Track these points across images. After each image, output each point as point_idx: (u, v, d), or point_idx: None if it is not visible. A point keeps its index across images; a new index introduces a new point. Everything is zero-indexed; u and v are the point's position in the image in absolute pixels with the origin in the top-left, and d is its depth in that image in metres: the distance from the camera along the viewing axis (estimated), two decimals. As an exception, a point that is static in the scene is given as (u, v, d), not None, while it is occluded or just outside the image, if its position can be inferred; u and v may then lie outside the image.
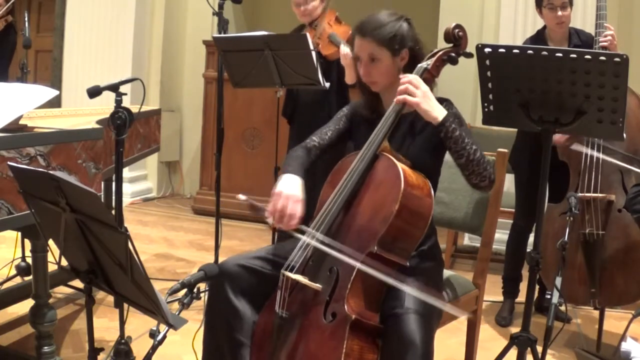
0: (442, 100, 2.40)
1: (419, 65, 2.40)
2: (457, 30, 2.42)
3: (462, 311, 2.07)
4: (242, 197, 2.32)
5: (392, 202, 2.16)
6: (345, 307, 2.07)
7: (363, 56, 2.44)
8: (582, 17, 4.93)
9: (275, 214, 2.24)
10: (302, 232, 2.25)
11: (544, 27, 3.83)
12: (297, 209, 2.25)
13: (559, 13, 3.62)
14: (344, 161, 2.45)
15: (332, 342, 2.06)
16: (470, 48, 2.46)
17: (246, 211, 3.25)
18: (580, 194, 3.44)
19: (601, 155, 3.37)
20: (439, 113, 2.26)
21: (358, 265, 2.09)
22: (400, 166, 2.22)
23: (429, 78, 2.39)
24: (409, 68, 2.42)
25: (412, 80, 2.27)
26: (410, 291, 2.09)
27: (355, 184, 2.28)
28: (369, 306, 2.14)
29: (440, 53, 2.43)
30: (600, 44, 3.53)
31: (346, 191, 2.27)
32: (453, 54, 2.43)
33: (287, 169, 2.39)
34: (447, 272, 2.77)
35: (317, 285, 2.17)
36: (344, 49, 3.75)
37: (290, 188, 2.29)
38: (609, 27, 3.56)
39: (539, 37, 3.82)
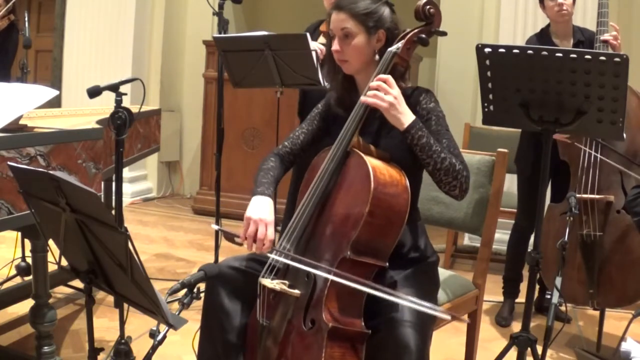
0: (421, 92, 2.31)
1: (388, 49, 2.27)
2: (428, 7, 2.28)
3: (451, 314, 2.02)
4: (215, 227, 2.33)
5: (363, 203, 2.07)
6: (323, 314, 2.02)
7: (337, 31, 2.30)
8: (582, 17, 4.94)
9: (248, 240, 2.21)
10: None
11: (548, 25, 3.83)
12: (268, 233, 2.19)
13: (560, 0, 3.60)
14: (318, 157, 2.35)
15: (312, 349, 2.03)
16: (470, 48, 2.44)
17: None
18: (578, 195, 3.44)
19: (599, 155, 3.37)
20: (405, 120, 2.16)
21: (331, 277, 2.03)
22: (371, 164, 2.11)
23: (400, 63, 2.28)
24: (381, 56, 2.30)
25: (383, 84, 2.17)
26: (385, 296, 1.99)
27: (327, 184, 2.20)
28: (347, 312, 2.07)
29: (411, 34, 2.27)
30: (603, 37, 3.51)
31: (317, 193, 2.20)
32: (424, 35, 2.27)
33: (256, 190, 2.32)
34: (447, 272, 2.77)
35: (296, 292, 2.12)
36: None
37: (258, 212, 2.23)
38: (614, 26, 3.55)
39: (543, 33, 3.82)
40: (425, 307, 2.00)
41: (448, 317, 2.03)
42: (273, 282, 2.16)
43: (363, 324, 2.08)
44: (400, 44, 2.26)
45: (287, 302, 2.16)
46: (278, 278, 2.20)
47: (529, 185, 3.87)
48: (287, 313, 2.15)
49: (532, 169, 3.76)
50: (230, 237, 2.29)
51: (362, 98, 2.20)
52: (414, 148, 2.17)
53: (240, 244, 2.24)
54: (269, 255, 2.20)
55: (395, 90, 2.17)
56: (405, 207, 2.15)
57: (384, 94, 2.15)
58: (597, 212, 3.42)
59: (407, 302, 2.00)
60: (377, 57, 2.32)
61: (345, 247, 2.08)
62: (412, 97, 2.30)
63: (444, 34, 2.33)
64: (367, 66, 2.32)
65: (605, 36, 3.51)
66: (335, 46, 2.31)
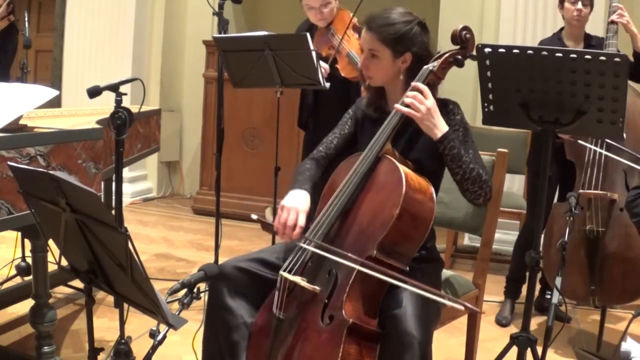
0: (448, 103, 2.41)
1: (425, 67, 2.39)
2: (464, 32, 2.41)
3: (463, 303, 2.03)
4: (254, 216, 2.36)
5: (393, 206, 2.14)
6: (343, 311, 2.06)
7: (365, 49, 2.43)
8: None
9: (279, 227, 2.26)
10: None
11: (561, 29, 3.93)
12: (299, 220, 2.25)
13: (579, 6, 3.73)
14: (346, 162, 2.43)
15: (329, 345, 2.05)
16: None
17: (246, 211, 3.26)
18: (582, 191, 3.47)
19: (607, 153, 3.37)
20: (439, 130, 2.27)
21: (357, 267, 2.07)
22: (403, 169, 2.20)
23: (435, 80, 2.40)
24: (413, 71, 2.41)
25: (418, 95, 2.27)
26: (412, 288, 2.04)
27: (357, 186, 2.27)
28: (366, 310, 2.13)
29: (447, 55, 2.42)
30: (610, 17, 3.62)
31: (347, 193, 2.27)
32: (460, 57, 2.42)
33: (293, 185, 2.40)
34: (447, 272, 2.77)
35: (315, 288, 2.16)
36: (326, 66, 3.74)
37: (292, 201, 2.30)
38: (618, 5, 3.61)
39: (555, 36, 3.93)
40: (446, 298, 2.03)
41: (466, 307, 2.04)
42: (294, 276, 2.20)
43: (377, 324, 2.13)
44: (436, 63, 2.40)
45: (304, 298, 2.20)
46: (296, 275, 2.23)
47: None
48: (303, 309, 2.18)
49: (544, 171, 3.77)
50: (268, 226, 2.38)
51: (397, 106, 2.29)
52: (445, 157, 2.28)
53: (276, 232, 2.30)
54: (298, 243, 2.25)
55: (430, 101, 2.27)
56: (430, 214, 2.23)
57: (419, 103, 2.25)
58: (601, 209, 3.45)
59: (431, 294, 2.03)
60: (401, 77, 2.42)
61: (371, 247, 2.14)
62: (441, 108, 2.37)
63: (475, 58, 2.43)
64: (392, 81, 2.44)
65: (613, 17, 3.61)
66: (362, 62, 2.44)
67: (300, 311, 2.19)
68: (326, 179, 2.47)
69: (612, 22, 3.62)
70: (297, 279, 2.18)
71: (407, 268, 2.21)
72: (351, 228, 2.24)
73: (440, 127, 2.28)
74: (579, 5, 3.73)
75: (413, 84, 2.32)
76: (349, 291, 2.09)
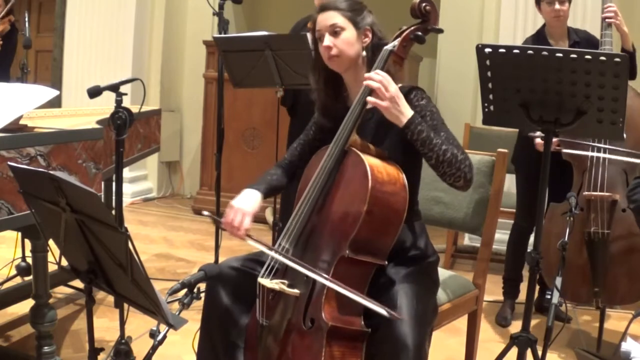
0: (412, 89, 2.31)
1: (385, 47, 2.26)
2: (424, 4, 2.27)
3: (389, 311, 1.99)
4: (205, 213, 2.40)
5: (361, 202, 2.07)
6: (322, 314, 2.02)
7: (326, 29, 2.31)
8: (581, 18, 4.95)
9: (227, 227, 2.28)
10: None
11: (544, 25, 3.88)
12: (244, 221, 2.26)
13: (557, 7, 3.68)
14: (316, 155, 2.35)
15: (312, 349, 2.03)
16: (470, 48, 2.43)
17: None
18: (585, 193, 3.47)
19: (602, 155, 3.37)
20: (404, 116, 2.17)
21: (327, 284, 2.02)
22: (368, 162, 2.11)
23: (397, 61, 2.28)
24: (374, 54, 2.30)
25: (382, 81, 2.15)
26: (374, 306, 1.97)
27: (325, 182, 2.21)
28: (347, 311, 2.07)
29: (407, 31, 2.27)
30: (603, 14, 3.58)
31: (316, 191, 2.21)
32: (420, 32, 2.27)
33: (249, 185, 2.41)
34: (447, 272, 2.77)
35: (295, 292, 2.12)
36: None
37: (241, 202, 2.31)
38: (611, 5, 3.59)
39: (539, 35, 3.86)
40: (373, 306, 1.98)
41: (384, 313, 1.96)
42: (272, 282, 2.17)
43: (363, 322, 2.08)
44: (396, 42, 2.27)
45: (286, 302, 2.16)
46: (277, 278, 2.21)
47: (527, 184, 3.89)
48: (287, 313, 2.15)
49: (529, 168, 3.76)
50: (218, 223, 2.37)
51: (369, 99, 2.19)
52: (415, 143, 2.17)
53: (225, 229, 2.32)
54: (266, 251, 2.22)
55: (393, 88, 2.16)
56: (403, 205, 2.16)
57: (385, 91, 2.15)
58: (602, 210, 3.44)
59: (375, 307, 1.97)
60: (364, 53, 2.32)
61: (344, 246, 2.08)
62: (406, 95, 2.27)
63: (440, 31, 2.33)
64: (355, 63, 2.33)
65: (607, 15, 3.57)
66: (327, 42, 2.30)
67: (284, 315, 2.15)
68: (296, 185, 2.42)
69: (606, 20, 3.57)
70: (275, 285, 2.15)
71: (386, 262, 2.16)
72: (324, 228, 2.19)
73: (405, 113, 2.17)
74: (557, 5, 3.67)
75: (368, 74, 2.20)
76: (327, 294, 2.05)
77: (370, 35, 2.33)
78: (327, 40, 2.30)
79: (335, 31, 2.30)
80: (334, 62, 2.33)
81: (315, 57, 2.43)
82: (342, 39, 2.29)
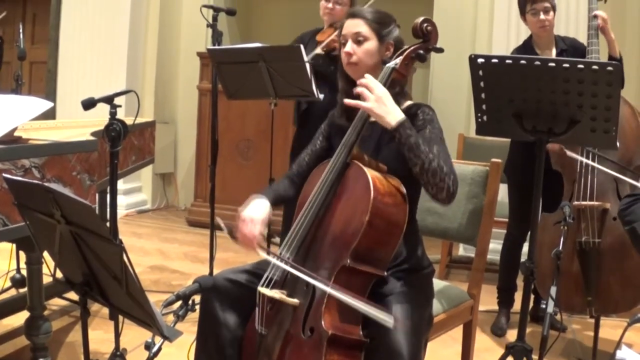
0: (423, 106, 2.34)
1: (386, 65, 2.33)
2: (425, 25, 2.34)
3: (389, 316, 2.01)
4: (222, 224, 2.38)
5: (362, 213, 2.10)
6: (322, 322, 2.03)
7: (350, 36, 2.38)
8: (575, 28, 4.97)
9: (244, 239, 2.29)
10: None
11: (530, 36, 3.90)
12: (253, 230, 2.28)
13: (542, 17, 3.69)
14: (318, 169, 2.39)
15: (311, 358, 2.03)
16: (463, 59, 2.45)
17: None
18: (575, 202, 3.47)
19: (594, 164, 3.38)
20: (393, 118, 2.18)
21: (328, 290, 2.04)
22: (370, 174, 2.15)
23: (399, 78, 2.33)
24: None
25: (367, 84, 2.21)
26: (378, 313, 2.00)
27: (327, 194, 2.23)
28: (347, 320, 2.08)
29: (409, 50, 2.34)
30: (593, 22, 3.59)
31: (318, 202, 2.23)
32: (422, 51, 2.35)
33: (258, 194, 2.42)
34: (442, 283, 2.77)
35: (294, 301, 2.13)
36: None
37: (250, 211, 2.34)
38: (600, 14, 3.60)
39: (526, 45, 3.88)
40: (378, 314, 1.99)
41: (388, 320, 1.98)
42: (272, 291, 2.18)
43: (361, 332, 2.09)
44: (398, 60, 2.33)
45: (285, 311, 2.17)
46: (276, 288, 2.21)
47: (519, 194, 3.89)
48: (286, 322, 2.16)
49: (522, 178, 3.78)
50: (233, 238, 2.37)
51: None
52: (402, 147, 2.18)
53: (237, 238, 2.32)
54: (270, 259, 2.24)
55: (378, 89, 2.21)
56: (403, 217, 2.18)
57: (369, 92, 2.20)
58: (593, 219, 3.44)
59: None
60: (382, 67, 2.36)
61: (345, 256, 2.10)
62: (412, 109, 2.33)
63: (440, 50, 2.40)
64: (372, 73, 2.33)
65: (595, 21, 3.57)
66: (348, 48, 2.38)
67: (283, 324, 2.16)
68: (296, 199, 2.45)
69: (598, 27, 3.59)
70: (275, 294, 2.16)
71: (385, 273, 2.18)
72: (325, 237, 2.21)
73: (395, 114, 2.19)
74: (542, 15, 3.68)
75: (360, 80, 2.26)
76: (327, 302, 2.06)
77: (392, 49, 2.40)
78: (349, 46, 2.38)
79: (358, 40, 2.37)
80: (352, 68, 2.40)
81: (340, 60, 2.47)
82: (364, 49, 2.37)
